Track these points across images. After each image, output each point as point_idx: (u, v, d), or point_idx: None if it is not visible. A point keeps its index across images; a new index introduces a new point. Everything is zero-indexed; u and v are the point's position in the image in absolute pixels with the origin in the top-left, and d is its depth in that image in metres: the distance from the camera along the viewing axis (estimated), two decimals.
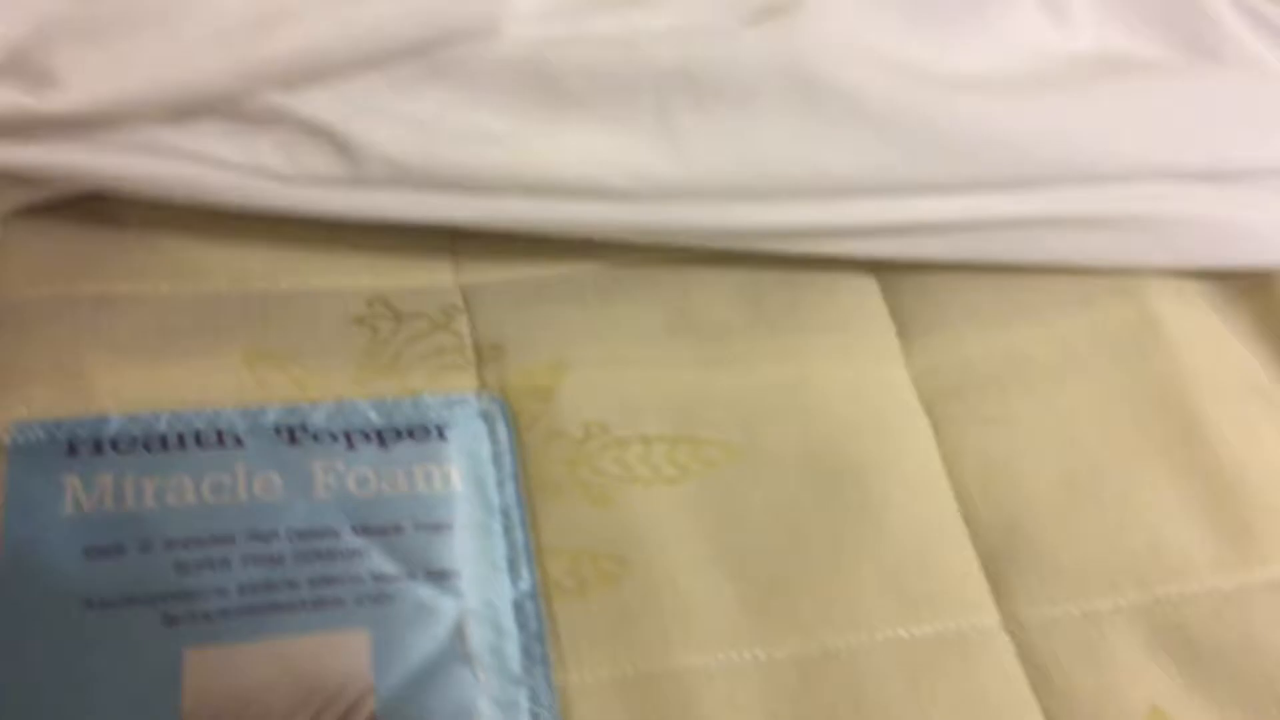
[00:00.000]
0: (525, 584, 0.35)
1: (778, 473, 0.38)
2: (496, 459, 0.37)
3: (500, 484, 0.37)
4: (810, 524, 0.37)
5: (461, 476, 0.37)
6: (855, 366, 0.41)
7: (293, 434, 0.36)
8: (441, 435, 0.37)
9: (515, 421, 0.38)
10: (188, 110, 0.35)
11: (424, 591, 0.34)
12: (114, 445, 0.35)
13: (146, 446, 0.35)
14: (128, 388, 0.36)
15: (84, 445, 0.35)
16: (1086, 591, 0.37)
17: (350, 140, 0.36)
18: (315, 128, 0.36)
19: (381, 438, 0.37)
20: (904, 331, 0.42)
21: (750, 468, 0.38)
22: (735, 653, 0.35)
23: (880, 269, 0.43)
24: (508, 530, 0.36)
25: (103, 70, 0.34)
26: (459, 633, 0.34)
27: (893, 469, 0.39)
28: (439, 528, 0.35)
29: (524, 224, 0.39)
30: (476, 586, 0.35)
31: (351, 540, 0.35)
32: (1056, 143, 0.40)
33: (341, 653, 0.33)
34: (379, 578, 0.34)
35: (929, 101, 0.39)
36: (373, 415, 0.37)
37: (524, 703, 0.33)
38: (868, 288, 0.43)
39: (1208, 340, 0.43)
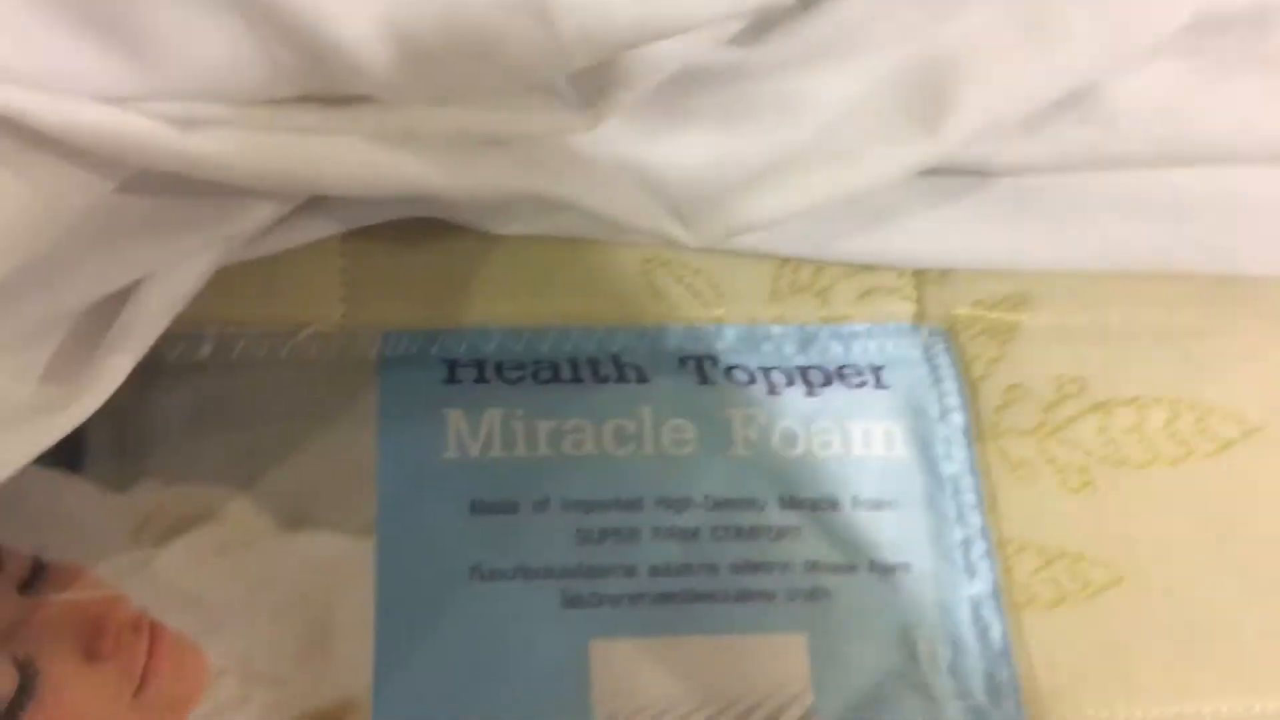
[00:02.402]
0: (984, 584, 0.28)
1: None
2: (944, 415, 0.30)
3: (949, 447, 0.30)
4: None
5: (904, 437, 0.30)
6: None
7: (701, 368, 0.30)
8: (879, 380, 0.30)
9: (965, 366, 0.31)
10: None
11: (868, 589, 0.28)
12: (499, 372, 0.29)
13: (535, 376, 0.29)
14: (505, 296, 0.30)
15: (465, 370, 0.29)
16: None
17: None
18: None
19: (807, 380, 0.30)
20: None
21: (1273, 450, 0.30)
22: (1261, 703, 0.27)
23: None
24: (960, 511, 0.29)
25: None
26: (909, 645, 0.27)
27: None
28: (882, 505, 0.29)
29: None
30: (928, 585, 0.28)
31: (779, 516, 0.28)
32: None
33: (775, 664, 0.27)
34: (814, 567, 0.28)
35: None
36: (789, 348, 0.30)
37: None
38: None
39: None
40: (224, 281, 0.28)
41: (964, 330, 0.31)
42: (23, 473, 0.24)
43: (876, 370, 0.30)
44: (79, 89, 0.21)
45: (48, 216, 0.22)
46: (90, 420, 0.25)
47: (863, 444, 0.29)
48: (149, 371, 0.27)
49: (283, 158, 0.23)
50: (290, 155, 0.23)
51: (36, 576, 0.25)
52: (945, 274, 0.31)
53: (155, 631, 0.25)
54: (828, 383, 0.30)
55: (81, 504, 0.26)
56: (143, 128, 0.21)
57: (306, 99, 0.23)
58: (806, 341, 0.30)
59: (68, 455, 0.26)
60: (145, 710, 0.25)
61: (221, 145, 0.22)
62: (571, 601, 0.27)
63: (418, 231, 0.30)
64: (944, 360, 0.31)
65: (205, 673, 0.25)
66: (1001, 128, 0.26)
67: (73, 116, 0.20)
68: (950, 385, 0.30)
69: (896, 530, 0.28)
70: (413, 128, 0.23)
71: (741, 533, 0.28)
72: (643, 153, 0.27)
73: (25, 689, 0.24)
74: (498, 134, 0.24)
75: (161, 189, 0.23)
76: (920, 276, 0.31)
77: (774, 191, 0.26)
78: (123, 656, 0.25)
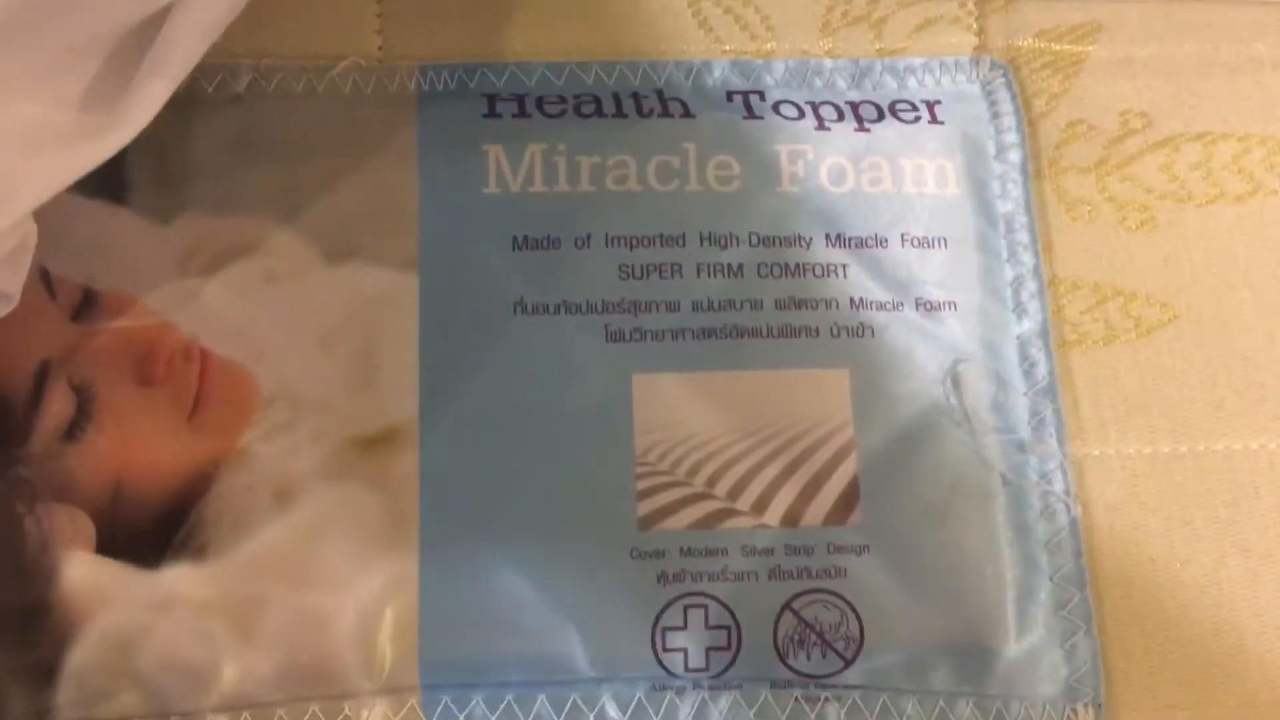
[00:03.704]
0: (1032, 322, 0.28)
1: None
2: (1001, 152, 0.29)
3: (1004, 185, 0.29)
4: None
5: (958, 174, 0.29)
6: None
7: (748, 103, 0.29)
8: (934, 116, 0.29)
9: (1026, 101, 0.29)
10: None
11: (913, 326, 0.27)
12: (540, 106, 0.28)
13: (577, 110, 0.28)
14: (545, 28, 0.29)
15: (505, 104, 0.28)
16: None
17: None
18: None
19: (858, 115, 0.29)
20: None
21: None
22: None
23: None
24: (1012, 250, 0.28)
25: None
26: (953, 381, 0.27)
27: None
28: (931, 243, 0.28)
29: None
30: (974, 322, 0.28)
31: (826, 253, 0.28)
32: None
33: (817, 398, 0.27)
34: (860, 304, 0.27)
35: None
36: (841, 82, 0.29)
37: (1031, 476, 0.27)
38: None
39: None
40: (259, 14, 0.27)
41: (1026, 64, 0.30)
42: (69, 204, 0.24)
43: (931, 105, 0.29)
44: None
45: None
46: (132, 153, 0.25)
47: (914, 181, 0.28)
48: (188, 104, 0.27)
49: None
50: None
51: (88, 305, 0.26)
52: (1010, 2, 0.30)
53: (206, 358, 0.26)
54: (880, 118, 0.29)
55: (127, 235, 0.26)
56: None
57: None
58: (859, 76, 0.29)
59: (112, 187, 0.26)
60: (200, 433, 0.25)
61: None
62: (615, 336, 0.27)
63: None
64: (1004, 95, 0.29)
65: (256, 398, 0.26)
66: None
67: None
68: (1009, 121, 0.29)
69: (945, 268, 0.28)
70: None
71: (787, 269, 0.27)
72: None
73: (83, 411, 0.25)
74: None
75: None
76: (983, 5, 0.30)
77: None
78: (175, 381, 0.26)
